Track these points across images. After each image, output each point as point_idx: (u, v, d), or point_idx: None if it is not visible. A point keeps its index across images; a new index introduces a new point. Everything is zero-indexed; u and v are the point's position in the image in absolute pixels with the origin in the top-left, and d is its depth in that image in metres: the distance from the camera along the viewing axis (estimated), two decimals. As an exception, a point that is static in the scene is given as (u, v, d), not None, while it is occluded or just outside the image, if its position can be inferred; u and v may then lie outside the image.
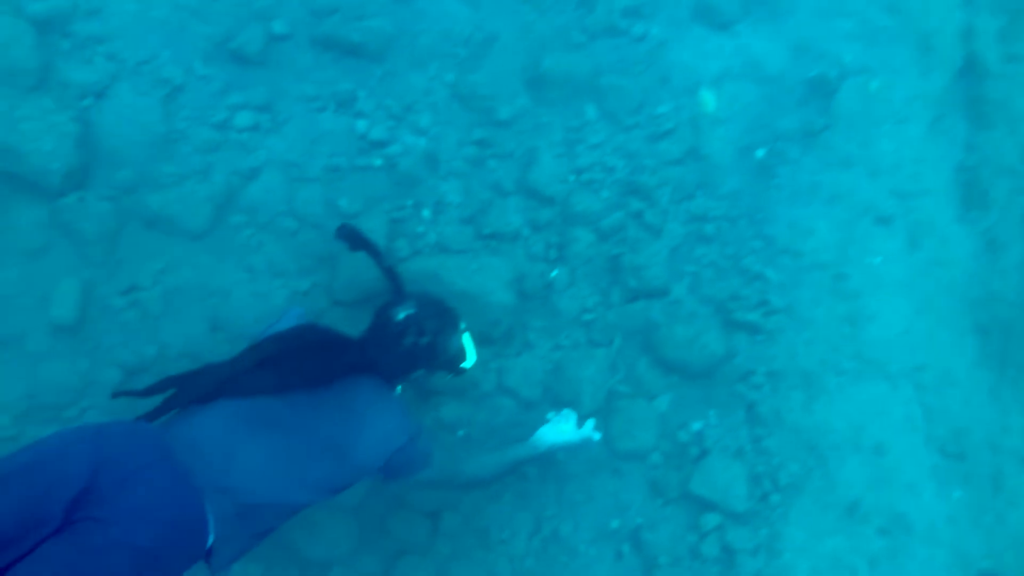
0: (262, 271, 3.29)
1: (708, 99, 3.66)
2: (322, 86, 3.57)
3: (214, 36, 3.52)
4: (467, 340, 2.50)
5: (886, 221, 3.52)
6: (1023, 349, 3.31)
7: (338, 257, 3.30)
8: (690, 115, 3.66)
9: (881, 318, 3.39)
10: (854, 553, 3.12)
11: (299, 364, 2.14)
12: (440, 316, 2.39)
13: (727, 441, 3.23)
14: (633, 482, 3.19)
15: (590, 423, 2.73)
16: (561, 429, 2.67)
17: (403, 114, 3.58)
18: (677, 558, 3.10)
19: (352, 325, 3.29)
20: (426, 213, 3.46)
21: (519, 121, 3.65)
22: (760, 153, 3.63)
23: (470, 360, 2.53)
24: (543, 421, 2.74)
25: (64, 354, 2.99)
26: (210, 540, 1.92)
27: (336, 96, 3.56)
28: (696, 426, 3.25)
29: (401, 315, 2.31)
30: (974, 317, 3.38)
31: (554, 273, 3.43)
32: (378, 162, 3.50)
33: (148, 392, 2.17)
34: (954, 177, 3.60)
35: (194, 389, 2.11)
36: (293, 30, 3.59)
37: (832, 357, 3.34)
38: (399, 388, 2.53)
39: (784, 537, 3.13)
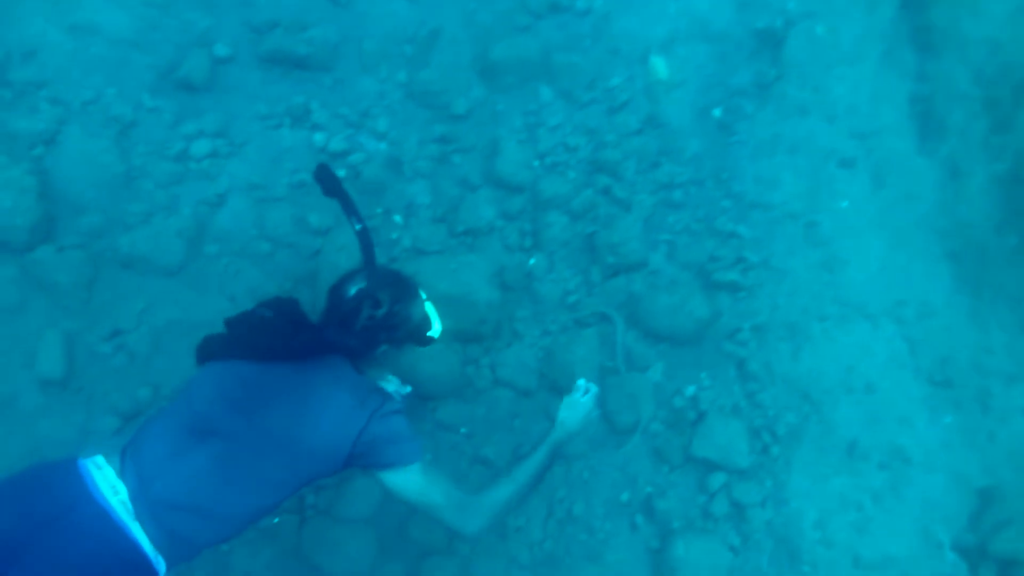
0: (243, 297, 3.38)
1: (659, 65, 3.78)
2: (274, 103, 3.65)
3: (158, 67, 3.59)
4: (430, 308, 2.35)
5: (849, 164, 3.67)
6: (996, 270, 3.47)
7: (318, 273, 3.41)
8: (644, 83, 3.78)
9: (856, 260, 3.54)
10: (858, 490, 3.30)
11: (260, 336, 2.11)
12: (395, 285, 2.22)
13: (722, 400, 3.38)
14: (637, 453, 3.34)
15: (584, 386, 2.63)
16: (575, 402, 2.56)
17: (360, 120, 3.67)
18: (690, 520, 3.26)
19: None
20: (397, 218, 3.56)
21: (476, 112, 3.75)
22: (717, 112, 3.76)
23: (436, 328, 2.35)
24: (553, 411, 2.63)
25: (58, 408, 3.08)
26: (162, 568, 1.91)
27: (290, 111, 3.64)
28: (690, 390, 3.40)
29: (352, 290, 2.16)
30: (945, 245, 3.54)
31: (532, 261, 3.55)
32: (342, 173, 3.59)
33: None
34: (910, 109, 3.73)
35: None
36: (236, 51, 3.66)
37: (813, 304, 3.50)
38: (374, 373, 2.36)
39: (789, 485, 3.29)
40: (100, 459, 1.96)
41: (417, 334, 2.30)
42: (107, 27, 3.56)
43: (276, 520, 3.17)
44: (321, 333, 2.12)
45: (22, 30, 3.48)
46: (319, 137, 3.61)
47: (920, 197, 3.58)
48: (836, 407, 3.36)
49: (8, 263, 3.19)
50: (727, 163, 3.68)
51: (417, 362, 3.30)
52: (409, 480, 2.10)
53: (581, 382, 2.61)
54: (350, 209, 2.42)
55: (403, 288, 2.26)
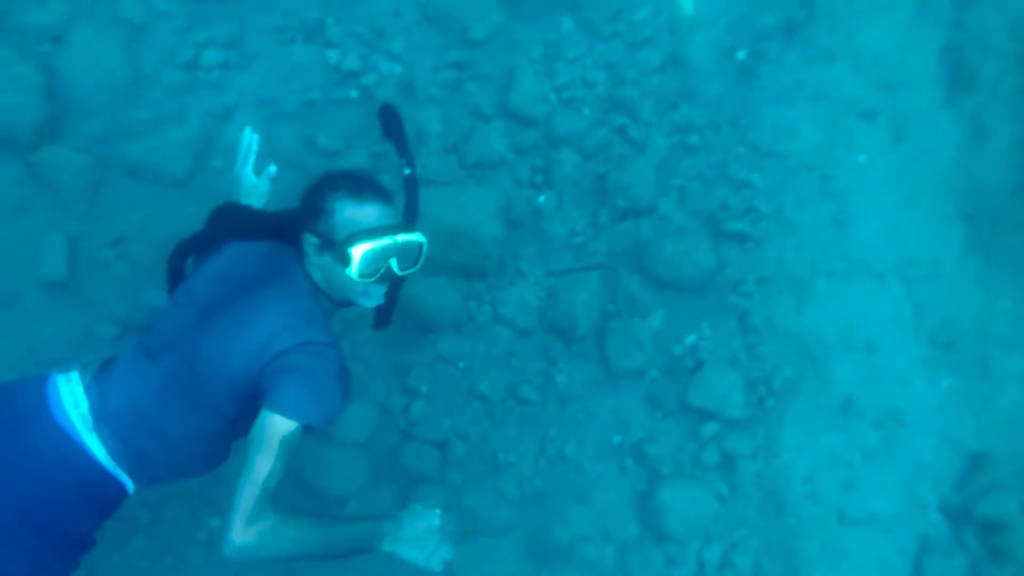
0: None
1: (686, 1, 3.69)
2: (288, 16, 3.59)
3: (171, -29, 3.53)
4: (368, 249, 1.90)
5: (871, 116, 3.62)
6: (1008, 235, 3.45)
7: (321, 194, 3.41)
8: (669, 19, 3.71)
9: (868, 216, 3.53)
10: (850, 448, 3.35)
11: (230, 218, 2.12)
12: (343, 178, 1.97)
13: (721, 351, 3.41)
14: (632, 399, 3.38)
15: (442, 552, 1.93)
16: (413, 535, 1.90)
17: (375, 40, 3.62)
18: (679, 467, 3.32)
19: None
20: (407, 144, 3.53)
21: (494, 40, 3.69)
22: (741, 54, 3.69)
23: (353, 268, 1.90)
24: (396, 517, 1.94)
25: (60, 311, 3.13)
26: (129, 485, 1.95)
27: (304, 26, 3.59)
28: (690, 339, 3.43)
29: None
30: (960, 206, 3.52)
31: (541, 199, 3.54)
32: (354, 93, 3.56)
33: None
34: (940, 60, 3.65)
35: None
36: (252, -41, 3.58)
37: (821, 259, 3.49)
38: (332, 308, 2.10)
39: (781, 439, 3.35)
40: (74, 374, 1.98)
41: (327, 242, 1.92)
42: (121, -77, 3.49)
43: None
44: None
45: (34, -80, 3.42)
46: (332, 54, 3.56)
47: (939, 154, 3.54)
48: (835, 364, 3.39)
49: (12, 161, 3.20)
50: (746, 108, 3.64)
51: (419, 294, 3.33)
52: (265, 430, 1.77)
53: (437, 512, 1.94)
54: (405, 153, 2.12)
55: (333, 182, 1.98)
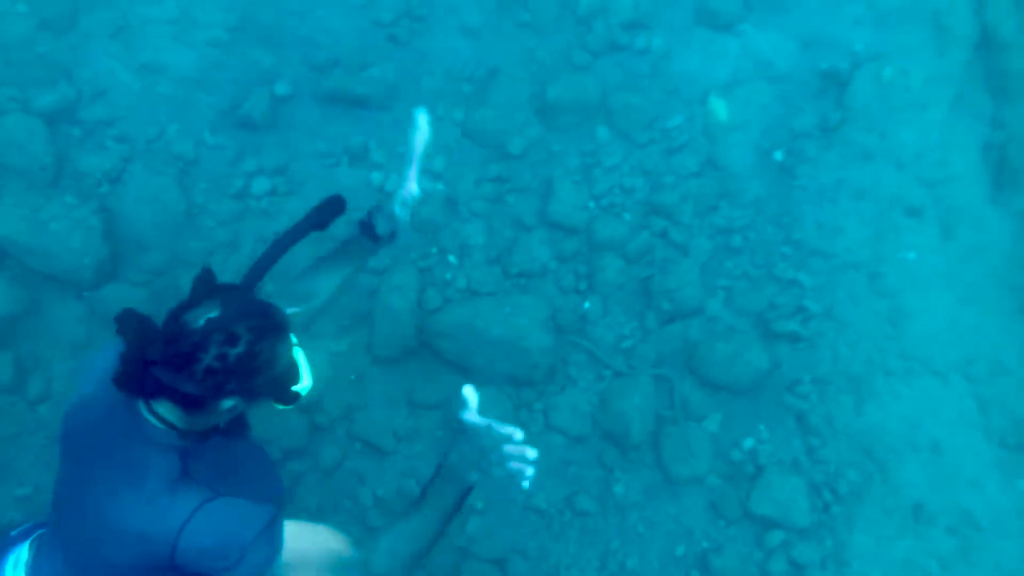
0: (300, 337, 3.47)
1: (719, 106, 3.80)
2: (333, 142, 3.78)
3: (219, 105, 3.77)
4: (300, 355, 1.86)
5: (916, 212, 3.64)
6: (1074, 327, 3.40)
7: (373, 313, 3.49)
8: (703, 124, 3.83)
9: (923, 313, 3.51)
10: (924, 555, 3.25)
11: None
12: (260, 316, 1.68)
13: (781, 454, 3.37)
14: (693, 506, 3.34)
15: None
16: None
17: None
18: (747, 578, 3.24)
19: (397, 382, 3.52)
20: (452, 258, 3.64)
21: (532, 152, 3.82)
22: (779, 155, 3.77)
23: (305, 381, 1.85)
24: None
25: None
26: None
27: (348, 150, 3.77)
28: (748, 443, 3.40)
29: (201, 320, 1.61)
30: (1019, 301, 3.48)
31: (587, 304, 3.59)
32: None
33: None
34: (982, 157, 3.71)
35: None
36: (297, 89, 3.80)
37: (878, 357, 3.47)
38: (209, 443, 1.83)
39: (851, 546, 3.26)
40: (23, 554, 1.88)
41: (278, 386, 1.76)
42: (173, 66, 3.75)
43: None
44: (148, 370, 1.60)
45: (93, 70, 3.70)
46: (376, 176, 3.72)
47: (991, 249, 3.54)
48: (901, 466, 3.32)
49: (74, 300, 3.36)
50: (788, 208, 3.69)
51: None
52: None
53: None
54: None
55: (270, 323, 1.71)
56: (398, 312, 3.45)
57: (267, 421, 3.30)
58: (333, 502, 3.30)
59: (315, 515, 3.26)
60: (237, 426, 1.90)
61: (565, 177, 3.73)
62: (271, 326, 1.71)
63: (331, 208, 2.16)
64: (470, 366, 3.44)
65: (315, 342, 3.46)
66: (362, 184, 3.70)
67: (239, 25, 3.81)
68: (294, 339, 1.85)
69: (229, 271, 3.47)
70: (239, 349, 1.63)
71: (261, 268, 1.98)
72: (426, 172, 3.82)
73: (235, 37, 3.80)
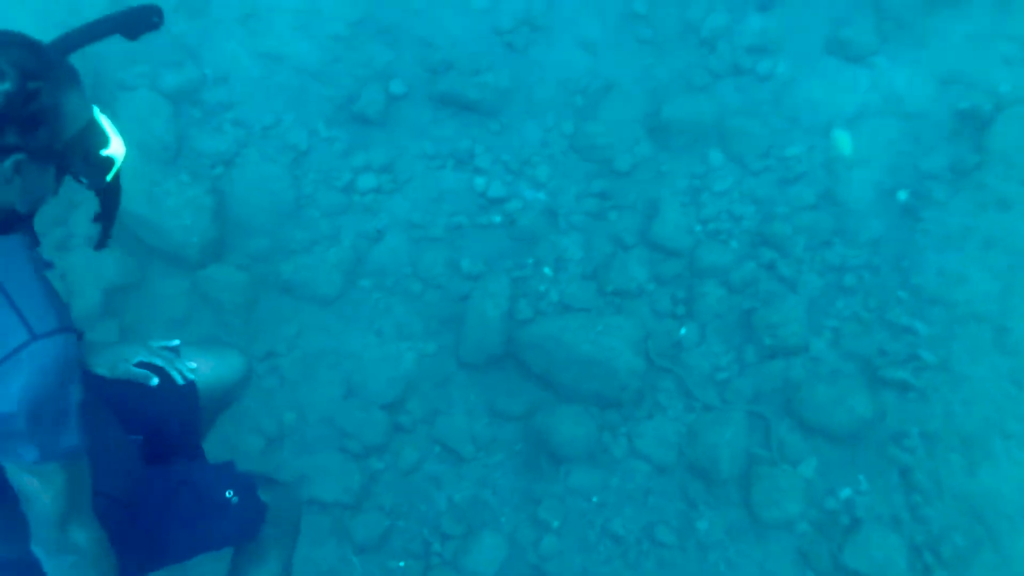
0: (390, 335, 3.52)
1: (843, 139, 3.67)
2: (440, 143, 3.80)
3: (335, 98, 3.84)
4: (102, 116, 1.55)
5: (1052, 268, 3.41)
6: None
7: (463, 318, 3.48)
8: (824, 157, 3.70)
9: (1052, 377, 3.28)
10: (1032, 634, 3.02)
11: None
12: (31, 50, 1.35)
13: (880, 509, 3.20)
14: (780, 552, 3.20)
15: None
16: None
17: (521, 168, 3.77)
18: (832, 636, 3.08)
19: (480, 390, 3.51)
20: (547, 270, 3.61)
21: (640, 170, 3.76)
22: (903, 195, 3.62)
23: (116, 147, 1.57)
24: None
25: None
26: None
27: (455, 153, 3.79)
28: (845, 492, 3.24)
29: None
30: None
31: (683, 330, 3.50)
32: (498, 219, 3.70)
33: None
34: None
35: None
36: (411, 89, 3.84)
37: (996, 418, 3.26)
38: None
39: (951, 616, 3.06)
40: None
41: (79, 148, 1.47)
42: (294, 56, 3.84)
43: None
44: None
45: (219, 54, 3.82)
46: (480, 181, 3.73)
47: None
48: (1016, 536, 3.10)
49: (181, 277, 3.48)
50: (908, 251, 3.52)
51: (552, 422, 3.30)
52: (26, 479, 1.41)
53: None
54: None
55: (45, 60, 1.37)
56: (489, 319, 3.44)
57: (346, 416, 3.34)
58: (408, 503, 3.29)
59: (389, 514, 3.28)
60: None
61: (672, 198, 3.66)
62: (48, 63, 1.38)
63: (145, 18, 1.89)
64: (556, 381, 3.40)
65: (405, 343, 3.49)
66: (464, 187, 3.71)
67: (361, 20, 3.88)
68: (95, 108, 1.54)
69: (329, 263, 3.53)
70: (5, 85, 1.31)
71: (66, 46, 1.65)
72: (529, 180, 3.82)
73: (356, 32, 3.87)
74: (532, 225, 3.66)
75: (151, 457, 2.11)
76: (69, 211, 3.47)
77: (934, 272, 3.51)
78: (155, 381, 2.07)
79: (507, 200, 3.70)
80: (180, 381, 2.12)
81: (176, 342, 2.26)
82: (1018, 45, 3.71)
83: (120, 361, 2.11)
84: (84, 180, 1.53)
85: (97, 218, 1.73)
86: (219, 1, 3.89)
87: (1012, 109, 3.58)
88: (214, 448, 3.27)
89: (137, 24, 1.90)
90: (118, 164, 1.59)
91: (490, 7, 3.92)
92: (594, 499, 3.31)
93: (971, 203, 3.56)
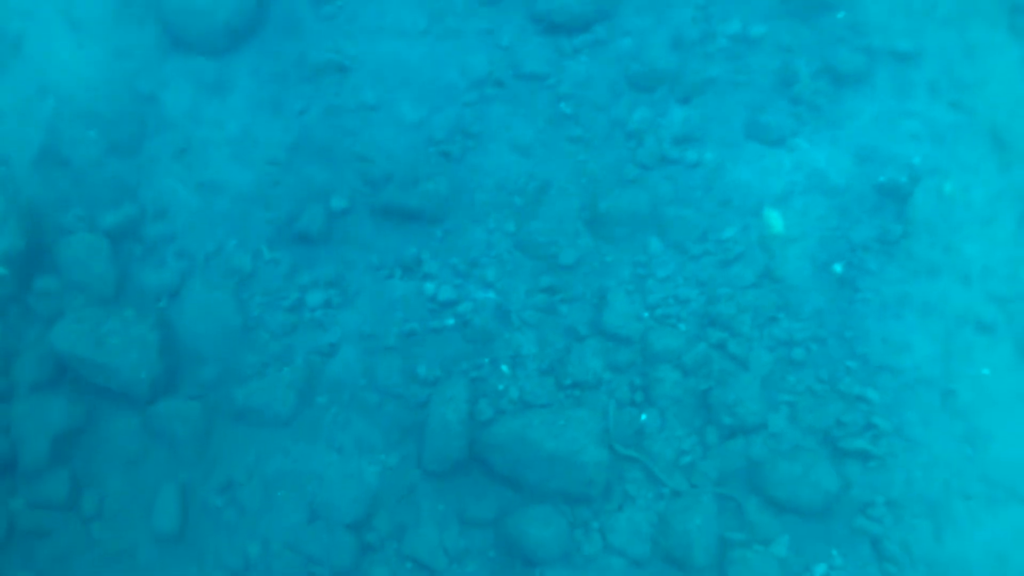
0: (351, 450, 3.47)
1: (774, 218, 3.80)
2: (386, 254, 3.83)
3: (276, 220, 3.86)
4: None
5: (988, 329, 3.56)
6: None
7: (424, 426, 3.45)
8: (758, 236, 3.81)
9: (1003, 435, 3.37)
10: None
11: None
12: None
13: (857, 582, 3.17)
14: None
15: None
16: None
17: (469, 270, 3.80)
18: None
19: (447, 498, 3.44)
20: (504, 368, 3.61)
21: (584, 263, 3.83)
22: (838, 267, 3.74)
23: None
24: None
25: (173, 565, 3.18)
26: None
27: (401, 262, 3.81)
28: (820, 569, 3.23)
29: None
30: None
31: (643, 417, 3.51)
32: (451, 321, 3.71)
33: None
34: (1053, 272, 3.60)
35: None
36: (352, 204, 3.89)
37: (956, 481, 3.31)
38: None
39: None
40: None
41: None
42: (232, 184, 3.88)
43: None
44: None
45: (157, 190, 3.84)
46: (429, 286, 3.75)
47: (1072, 367, 3.40)
48: (987, 600, 3.11)
49: (130, 415, 3.40)
50: (851, 321, 3.62)
51: (522, 525, 3.25)
52: None
53: None
54: None
55: None
56: (450, 424, 3.40)
57: (312, 541, 3.25)
58: (383, 628, 3.19)
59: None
60: None
61: (618, 287, 3.72)
62: None
63: None
64: (523, 481, 3.36)
65: (366, 457, 3.44)
66: (414, 294, 3.73)
67: (296, 143, 3.94)
68: None
69: (282, 384, 3.49)
70: None
71: None
72: (478, 281, 3.86)
73: (292, 155, 3.92)
74: (485, 325, 3.68)
75: None
76: (11, 360, 3.41)
77: (878, 340, 3.59)
78: None
79: (458, 302, 3.72)
80: None
81: None
82: (920, 121, 3.90)
83: None
84: None
85: None
86: (153, 139, 3.92)
87: (927, 181, 3.75)
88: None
89: None
90: None
91: (423, 120, 4.02)
92: (573, 602, 3.26)
93: (903, 271, 3.67)
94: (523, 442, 3.36)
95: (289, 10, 4.08)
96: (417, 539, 3.32)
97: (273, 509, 3.32)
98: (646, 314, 3.69)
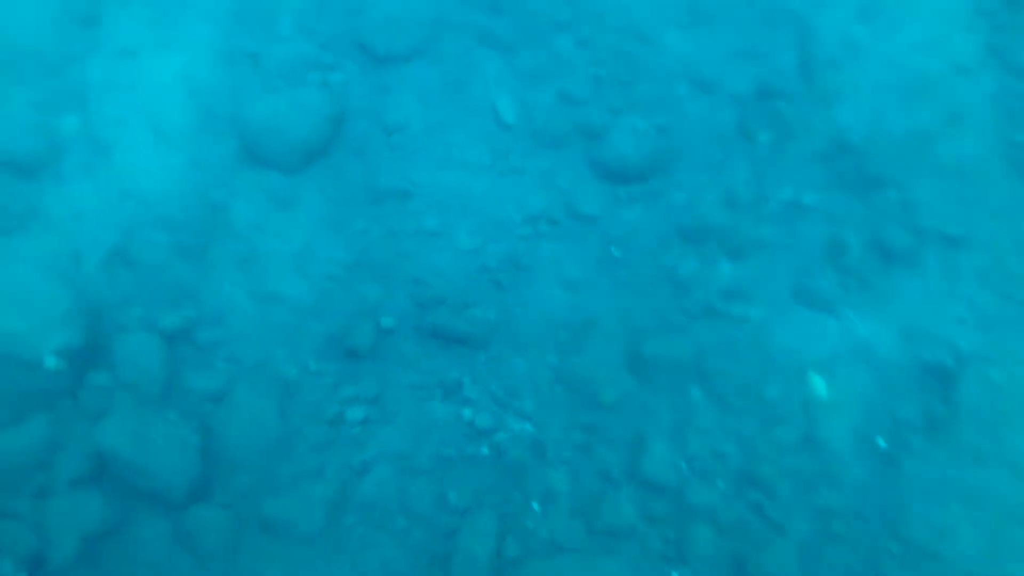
0: (374, 573, 3.37)
1: (818, 383, 3.82)
2: (429, 375, 3.86)
3: (328, 333, 3.92)
4: None
5: (1037, 527, 3.46)
6: None
7: (450, 557, 3.38)
8: (801, 399, 3.81)
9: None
10: None
11: None
12: None
13: None
14: None
15: None
16: None
17: (508, 400, 3.81)
18: None
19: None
20: (535, 505, 3.57)
21: (624, 404, 3.83)
22: (882, 442, 3.72)
23: None
24: None
25: None
26: None
27: (443, 384, 3.84)
28: None
29: None
30: None
31: (674, 574, 3.41)
32: (485, 451, 3.70)
33: None
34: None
35: None
36: (400, 323, 3.95)
37: None
38: None
39: None
40: None
41: None
42: (289, 296, 3.96)
43: None
44: None
45: (216, 294, 3.91)
46: (467, 412, 3.76)
47: None
48: None
49: (162, 518, 3.35)
50: (893, 499, 3.57)
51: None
52: None
53: None
54: None
55: None
56: (477, 558, 3.35)
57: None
58: None
59: None
60: None
61: (657, 434, 3.70)
62: None
63: None
64: (547, 630, 3.27)
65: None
66: (452, 418, 3.73)
67: (355, 262, 4.04)
68: None
69: (312, 499, 3.46)
70: None
71: None
72: (516, 411, 3.86)
73: (349, 272, 4.02)
74: (519, 457, 3.65)
75: None
76: (55, 453, 3.41)
77: (922, 524, 3.51)
78: None
79: (495, 431, 3.71)
80: None
81: None
82: (969, 307, 3.96)
83: None
84: None
85: None
86: (219, 246, 4.03)
87: (974, 366, 3.77)
88: None
89: None
90: None
91: (477, 248, 4.13)
92: None
93: (948, 455, 3.64)
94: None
95: (361, 135, 4.28)
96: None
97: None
98: (684, 464, 3.66)
